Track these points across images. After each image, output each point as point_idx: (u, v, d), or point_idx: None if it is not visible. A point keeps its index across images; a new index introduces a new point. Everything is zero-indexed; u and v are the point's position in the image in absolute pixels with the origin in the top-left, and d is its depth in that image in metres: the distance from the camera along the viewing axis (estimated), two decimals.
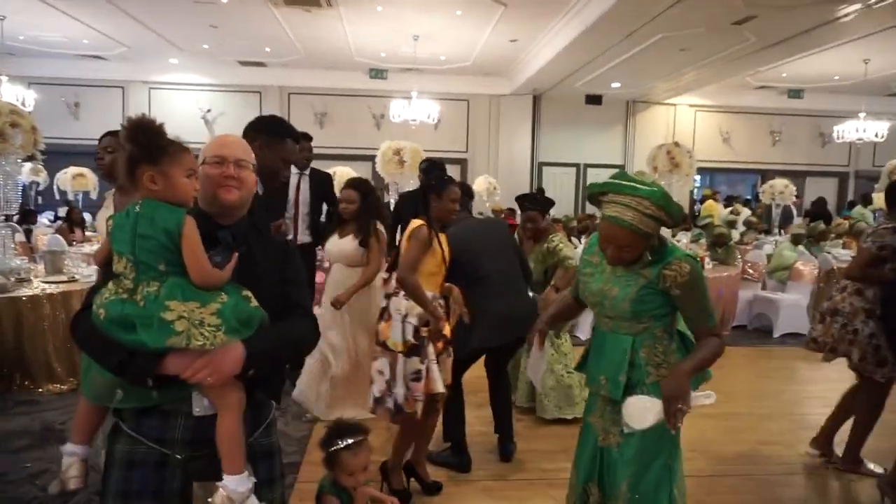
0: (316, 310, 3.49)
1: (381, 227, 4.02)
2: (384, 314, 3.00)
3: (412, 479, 3.18)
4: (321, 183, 5.07)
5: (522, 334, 2.69)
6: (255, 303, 1.49)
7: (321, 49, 10.93)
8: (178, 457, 1.47)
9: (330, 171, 10.14)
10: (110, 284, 1.44)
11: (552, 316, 2.45)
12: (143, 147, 1.45)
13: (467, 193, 9.67)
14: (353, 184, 4.03)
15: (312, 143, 5.16)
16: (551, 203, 4.46)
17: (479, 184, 11.07)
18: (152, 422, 1.48)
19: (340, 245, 3.98)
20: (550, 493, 3.20)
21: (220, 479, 1.44)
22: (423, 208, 3.03)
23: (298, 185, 4.91)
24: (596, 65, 10.19)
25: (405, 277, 2.85)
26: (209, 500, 1.43)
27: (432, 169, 4.41)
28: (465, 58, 11.29)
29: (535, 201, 4.36)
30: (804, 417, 4.54)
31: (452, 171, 13.75)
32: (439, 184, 3.07)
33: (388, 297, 3.02)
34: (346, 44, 10.52)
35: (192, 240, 1.41)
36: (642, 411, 1.84)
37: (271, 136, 2.60)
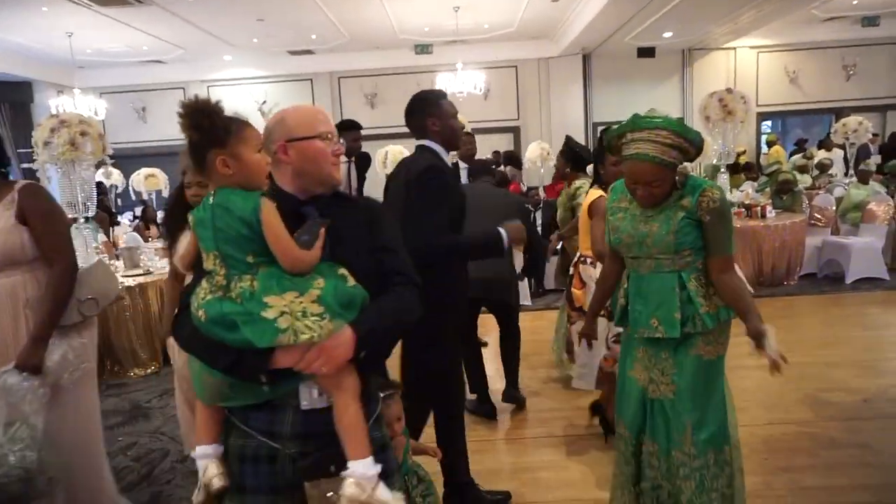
0: None
1: None
2: (573, 281, 3.33)
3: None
4: (363, 166, 5.25)
5: (490, 296, 3.12)
6: (352, 281, 1.41)
7: (365, 31, 11.05)
8: (288, 452, 1.41)
9: (383, 150, 10.41)
10: (203, 283, 1.38)
11: (593, 313, 2.46)
12: (206, 131, 1.37)
13: (514, 163, 9.63)
14: None
15: (365, 125, 5.36)
16: (582, 154, 4.51)
17: (531, 150, 10.97)
18: (261, 415, 1.43)
19: None
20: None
21: (332, 474, 1.37)
22: (596, 177, 3.35)
23: (349, 172, 5.09)
24: (644, 15, 9.80)
25: (601, 251, 2.83)
26: (330, 494, 1.35)
27: (570, 149, 4.55)
28: (509, 23, 11.12)
29: (566, 151, 4.55)
30: (875, 363, 4.37)
31: (505, 140, 13.71)
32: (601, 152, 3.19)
33: (575, 265, 3.35)
34: (388, 23, 10.59)
35: (274, 224, 1.33)
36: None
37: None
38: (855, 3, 10.81)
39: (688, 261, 2.05)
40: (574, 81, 12.81)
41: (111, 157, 5.34)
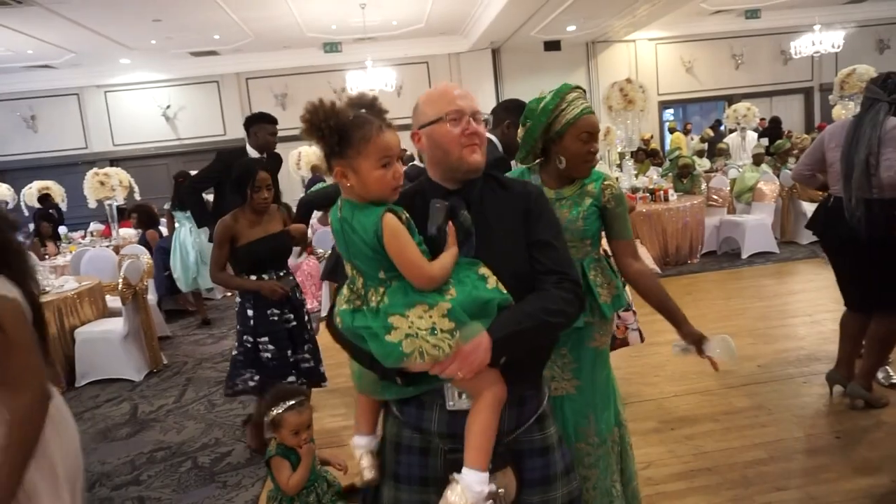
0: None
1: None
2: None
3: None
4: (275, 167, 5.11)
5: None
6: (492, 282, 1.30)
7: (271, 29, 10.79)
8: (442, 446, 1.38)
9: (295, 151, 10.19)
10: (345, 288, 1.35)
11: None
12: (325, 139, 1.25)
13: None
14: None
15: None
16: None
17: None
18: (411, 409, 1.41)
19: None
20: None
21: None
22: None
23: None
24: (548, 9, 10.10)
25: None
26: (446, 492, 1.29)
27: None
28: (418, 20, 11.16)
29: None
30: (768, 331, 4.71)
31: None
32: None
33: None
34: (294, 21, 10.38)
35: (396, 244, 1.24)
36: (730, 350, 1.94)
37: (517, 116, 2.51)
38: None
39: (587, 250, 2.11)
40: (485, 75, 13.03)
41: None
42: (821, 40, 11.10)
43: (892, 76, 3.09)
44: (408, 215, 1.31)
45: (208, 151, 13.17)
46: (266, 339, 3.13)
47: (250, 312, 3.15)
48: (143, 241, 6.88)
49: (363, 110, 1.29)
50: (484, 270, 1.32)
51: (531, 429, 1.41)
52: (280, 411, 2.04)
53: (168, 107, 12.85)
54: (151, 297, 5.67)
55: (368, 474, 1.44)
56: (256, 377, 3.11)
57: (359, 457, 1.47)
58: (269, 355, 3.12)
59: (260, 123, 4.11)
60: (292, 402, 2.05)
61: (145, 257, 5.67)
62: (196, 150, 13.08)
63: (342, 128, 1.23)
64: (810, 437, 3.09)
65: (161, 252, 6.55)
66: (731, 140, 10.91)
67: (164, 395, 4.48)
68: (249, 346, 3.14)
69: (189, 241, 6.40)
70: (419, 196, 1.41)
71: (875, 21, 13.83)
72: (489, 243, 1.36)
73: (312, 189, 6.71)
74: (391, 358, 1.23)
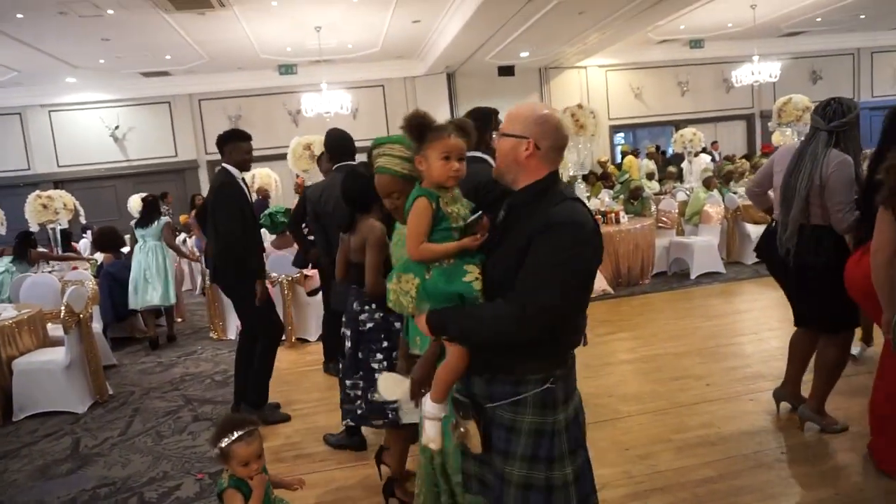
0: None
1: None
2: None
3: None
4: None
5: None
6: (469, 278, 1.62)
7: (224, 51, 10.69)
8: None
9: (249, 173, 10.05)
10: None
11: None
12: (412, 134, 1.69)
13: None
14: None
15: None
16: None
17: None
18: None
19: None
20: None
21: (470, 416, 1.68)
22: None
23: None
24: (501, 36, 10.33)
25: None
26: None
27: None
28: (373, 44, 11.24)
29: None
30: (716, 349, 4.85)
31: None
32: None
33: None
34: (248, 43, 10.32)
35: (411, 218, 1.65)
36: (392, 387, 1.91)
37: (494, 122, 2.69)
38: (682, 27, 12.08)
39: None
40: (440, 99, 13.18)
41: None
42: (759, 70, 11.66)
43: (832, 104, 3.13)
44: (451, 206, 1.67)
45: (159, 173, 12.92)
46: None
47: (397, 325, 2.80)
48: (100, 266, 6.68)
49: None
50: (471, 268, 1.62)
51: (503, 407, 1.65)
52: (228, 443, 1.99)
53: (117, 127, 12.53)
54: (97, 325, 5.46)
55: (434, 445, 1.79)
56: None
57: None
58: None
59: (234, 142, 3.98)
60: (240, 432, 2.00)
61: (90, 283, 5.47)
62: (146, 172, 12.77)
63: (425, 127, 1.68)
64: (758, 454, 3.17)
65: (108, 277, 6.33)
66: (685, 164, 11.35)
67: (108, 427, 4.29)
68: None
69: (150, 258, 6.41)
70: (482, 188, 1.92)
71: (809, 53, 14.64)
72: (500, 251, 1.62)
73: (265, 213, 6.62)
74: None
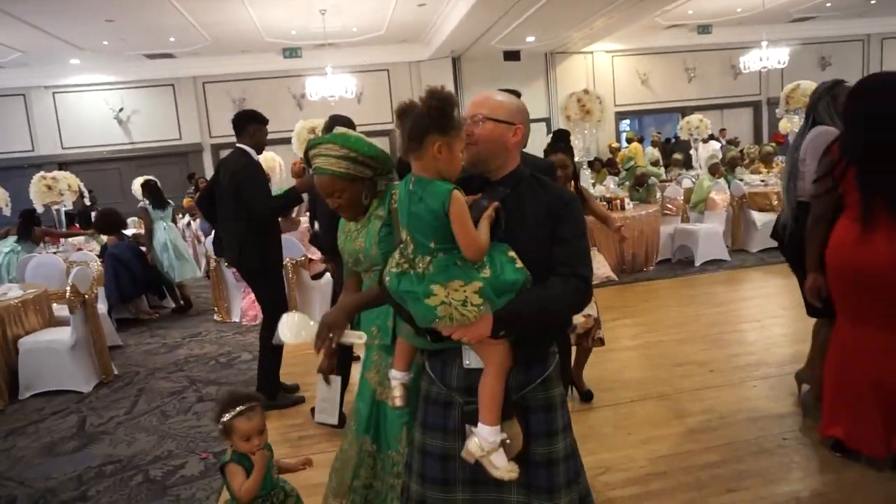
0: None
1: None
2: None
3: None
4: None
5: None
6: (518, 264, 1.51)
7: (229, 34, 10.63)
8: (461, 400, 1.64)
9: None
10: (397, 252, 1.57)
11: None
12: (438, 116, 1.47)
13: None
14: None
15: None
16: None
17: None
18: (437, 364, 1.69)
19: None
20: None
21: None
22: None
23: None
24: (507, 20, 10.24)
25: None
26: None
27: None
28: (378, 27, 11.16)
29: (566, 144, 3.94)
30: (719, 336, 4.85)
31: (380, 144, 13.65)
32: None
33: None
34: (253, 26, 10.25)
35: (461, 215, 1.46)
36: (296, 327, 1.93)
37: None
38: (690, 12, 11.94)
39: None
40: (446, 83, 12.64)
41: None
42: (768, 56, 11.54)
43: (820, 86, 3.23)
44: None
45: (162, 156, 12.91)
46: None
47: None
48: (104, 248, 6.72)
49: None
50: (512, 253, 1.52)
51: (536, 388, 1.65)
52: (229, 417, 2.00)
53: (121, 110, 12.50)
54: (101, 305, 5.49)
55: (399, 402, 1.81)
56: None
57: (393, 387, 1.82)
58: None
59: (257, 124, 3.96)
60: (241, 407, 2.01)
61: (95, 264, 5.49)
62: (150, 155, 12.76)
63: (453, 110, 1.48)
64: (759, 439, 3.18)
65: (112, 259, 6.34)
66: (693, 151, 11.27)
67: (114, 406, 4.33)
68: None
69: (175, 236, 7.06)
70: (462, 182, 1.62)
71: (818, 39, 14.47)
72: (522, 230, 1.57)
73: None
74: (426, 319, 1.48)
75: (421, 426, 1.72)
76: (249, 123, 3.93)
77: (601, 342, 3.73)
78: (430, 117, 1.46)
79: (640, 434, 3.34)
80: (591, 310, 3.67)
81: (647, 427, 3.42)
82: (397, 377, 1.82)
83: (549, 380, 1.67)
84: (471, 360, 1.61)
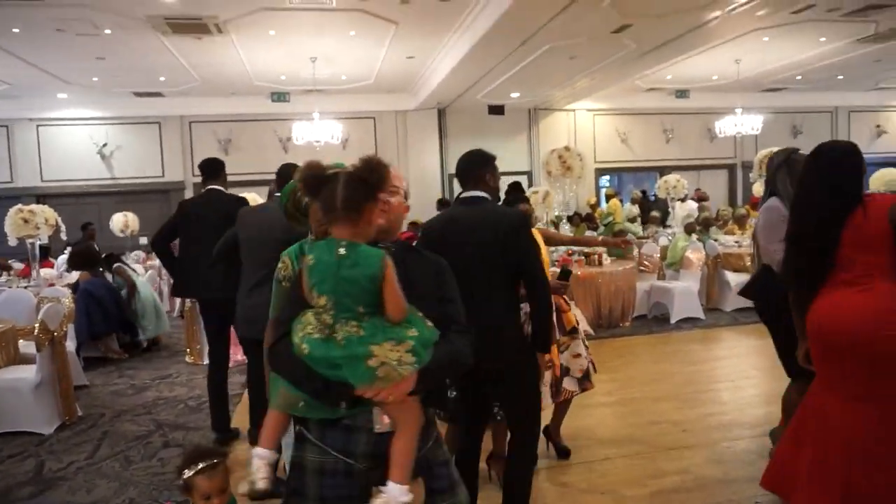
0: None
1: None
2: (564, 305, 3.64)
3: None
4: None
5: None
6: (430, 323, 1.59)
7: (218, 75, 10.76)
8: (362, 467, 1.62)
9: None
10: (311, 317, 1.53)
11: None
12: (375, 184, 1.53)
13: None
14: None
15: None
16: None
17: None
18: (336, 434, 1.63)
19: None
20: None
21: None
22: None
23: None
24: (493, 76, 10.53)
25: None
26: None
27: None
28: (367, 76, 11.40)
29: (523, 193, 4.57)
30: (693, 395, 4.87)
31: None
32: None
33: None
34: (243, 69, 10.41)
35: (393, 280, 1.50)
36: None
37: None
38: (669, 77, 12.41)
39: None
40: (431, 134, 13.34)
41: None
42: (742, 122, 11.98)
43: (776, 156, 3.34)
44: None
45: (144, 192, 12.82)
46: None
47: None
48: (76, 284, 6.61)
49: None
50: (420, 314, 1.59)
51: (433, 446, 1.73)
52: (190, 474, 1.93)
53: (105, 145, 12.47)
54: (70, 343, 5.36)
55: (263, 484, 1.61)
56: None
57: (256, 467, 1.63)
58: None
59: (224, 171, 4.42)
60: (202, 464, 1.94)
61: (66, 300, 5.38)
62: (131, 191, 12.68)
63: (383, 172, 1.53)
64: (731, 502, 3.17)
65: (84, 295, 6.23)
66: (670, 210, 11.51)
67: (75, 450, 4.18)
68: None
69: (147, 291, 7.16)
70: None
71: (789, 109, 15.08)
72: (412, 293, 1.61)
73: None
74: (365, 380, 1.46)
75: (317, 500, 1.64)
76: (223, 170, 4.39)
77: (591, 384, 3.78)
78: (370, 185, 1.52)
79: (615, 494, 3.31)
80: (579, 348, 3.70)
81: (622, 486, 3.39)
82: (264, 456, 1.65)
83: (440, 439, 1.79)
84: (381, 423, 1.61)
